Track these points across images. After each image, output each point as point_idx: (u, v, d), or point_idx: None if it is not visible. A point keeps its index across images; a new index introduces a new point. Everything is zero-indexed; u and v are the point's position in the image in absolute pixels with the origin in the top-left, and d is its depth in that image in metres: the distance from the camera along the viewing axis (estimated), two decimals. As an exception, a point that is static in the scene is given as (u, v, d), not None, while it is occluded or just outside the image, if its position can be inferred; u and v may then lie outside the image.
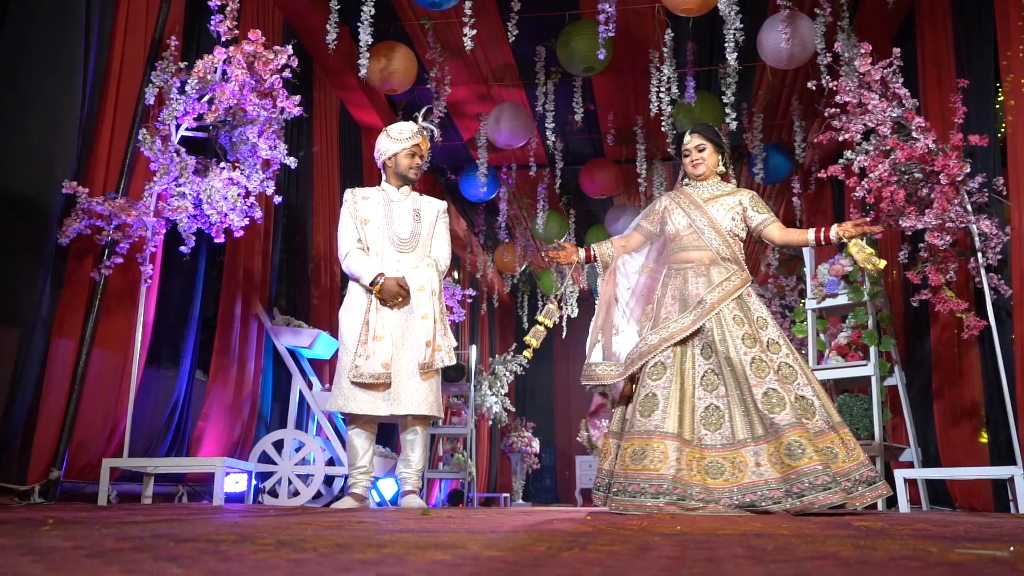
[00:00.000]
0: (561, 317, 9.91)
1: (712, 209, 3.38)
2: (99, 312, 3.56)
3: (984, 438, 4.23)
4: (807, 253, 5.24)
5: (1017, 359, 3.78)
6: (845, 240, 3.13)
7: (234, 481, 4.43)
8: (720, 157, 3.47)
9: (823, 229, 3.19)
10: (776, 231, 3.32)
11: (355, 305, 3.59)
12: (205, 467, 3.76)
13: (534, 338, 3.34)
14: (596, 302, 3.61)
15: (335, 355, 4.36)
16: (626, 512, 2.89)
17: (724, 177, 3.51)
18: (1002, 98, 4.03)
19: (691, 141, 3.45)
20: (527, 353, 3.40)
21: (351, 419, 3.58)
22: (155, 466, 3.68)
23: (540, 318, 3.37)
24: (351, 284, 3.66)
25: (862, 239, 3.13)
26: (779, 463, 2.87)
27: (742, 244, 3.40)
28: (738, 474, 2.94)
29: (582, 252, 3.63)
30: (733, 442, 3.00)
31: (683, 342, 3.19)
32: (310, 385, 4.97)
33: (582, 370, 3.43)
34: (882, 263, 3.03)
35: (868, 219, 3.08)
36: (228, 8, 3.73)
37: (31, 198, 3.28)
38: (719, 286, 3.22)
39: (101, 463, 3.47)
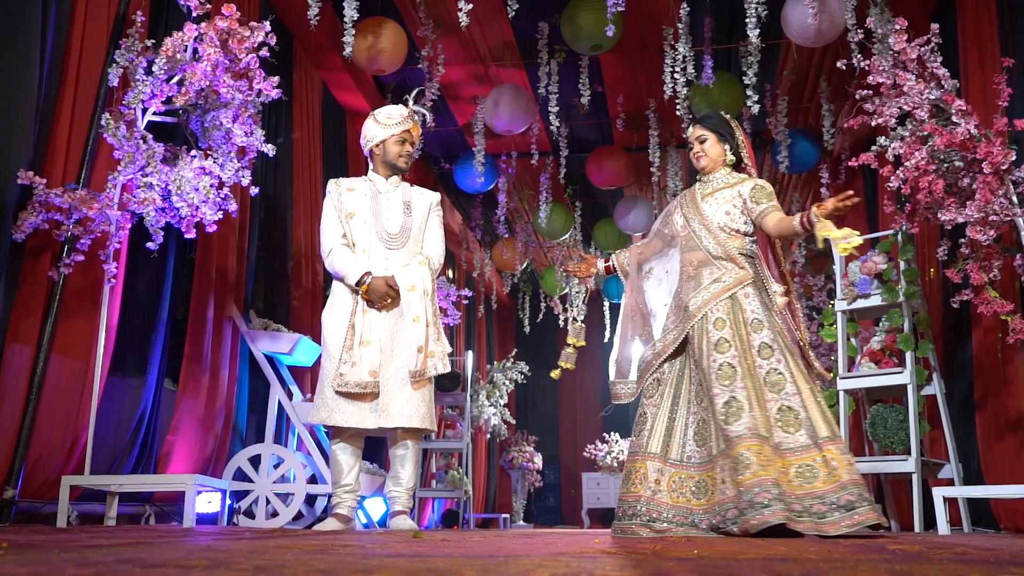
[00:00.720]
0: (566, 320, 9.91)
1: (707, 205, 3.46)
2: (58, 315, 3.56)
3: (1031, 453, 4.24)
4: (836, 251, 5.24)
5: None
6: (815, 219, 3.07)
7: (206, 500, 4.43)
8: (728, 146, 3.49)
9: (807, 212, 3.16)
10: (772, 221, 3.34)
11: (339, 307, 3.59)
12: (174, 485, 3.76)
13: (567, 362, 3.58)
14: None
15: (317, 362, 4.36)
16: (623, 535, 3.02)
17: (739, 168, 3.52)
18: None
19: (692, 133, 3.53)
20: (555, 374, 3.64)
21: (335, 433, 3.58)
22: (119, 484, 3.67)
23: (570, 340, 3.61)
24: (335, 284, 3.66)
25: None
26: (731, 480, 2.94)
27: (745, 239, 3.41)
28: (715, 493, 3.03)
29: (601, 264, 3.81)
30: (711, 458, 3.08)
31: (679, 353, 3.34)
32: (290, 395, 4.97)
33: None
34: (856, 239, 2.94)
35: (850, 192, 3.08)
36: (200, -20, 3.73)
37: (-17, 189, 3.28)
38: (705, 288, 3.31)
39: (60, 481, 3.47)
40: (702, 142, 3.49)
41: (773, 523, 2.77)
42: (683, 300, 3.36)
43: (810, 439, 3.00)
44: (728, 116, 3.56)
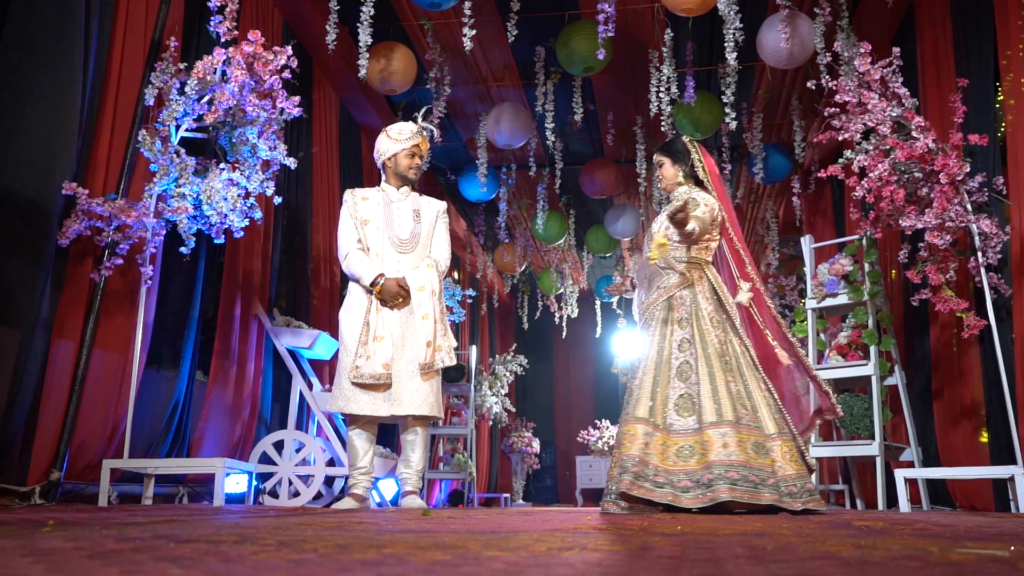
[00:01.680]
0: (561, 317, 9.92)
1: (655, 221, 3.58)
2: (99, 313, 3.56)
3: (984, 437, 4.24)
4: (807, 253, 5.24)
5: (1017, 358, 3.78)
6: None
7: (234, 482, 4.43)
8: (681, 168, 3.51)
9: None
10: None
11: (355, 306, 3.59)
12: (205, 468, 3.76)
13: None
14: None
15: (335, 355, 4.36)
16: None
17: (701, 184, 3.51)
18: (1002, 97, 4.03)
19: (655, 158, 3.63)
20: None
21: (351, 420, 3.58)
22: (155, 467, 3.68)
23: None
24: (351, 284, 3.67)
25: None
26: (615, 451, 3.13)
27: (687, 248, 3.42)
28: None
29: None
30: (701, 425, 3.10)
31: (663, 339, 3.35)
32: (310, 386, 4.97)
33: None
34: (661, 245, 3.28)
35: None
36: (228, 9, 3.73)
37: (31, 199, 3.28)
38: (653, 293, 3.43)
39: (101, 464, 3.47)
40: (660, 166, 3.59)
41: (624, 490, 2.96)
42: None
43: (697, 423, 3.06)
44: (688, 140, 3.59)
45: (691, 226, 3.25)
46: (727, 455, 2.93)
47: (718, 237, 3.47)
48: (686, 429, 3.07)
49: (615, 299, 9.73)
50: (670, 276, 3.40)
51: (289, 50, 3.81)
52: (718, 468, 2.90)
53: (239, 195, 3.81)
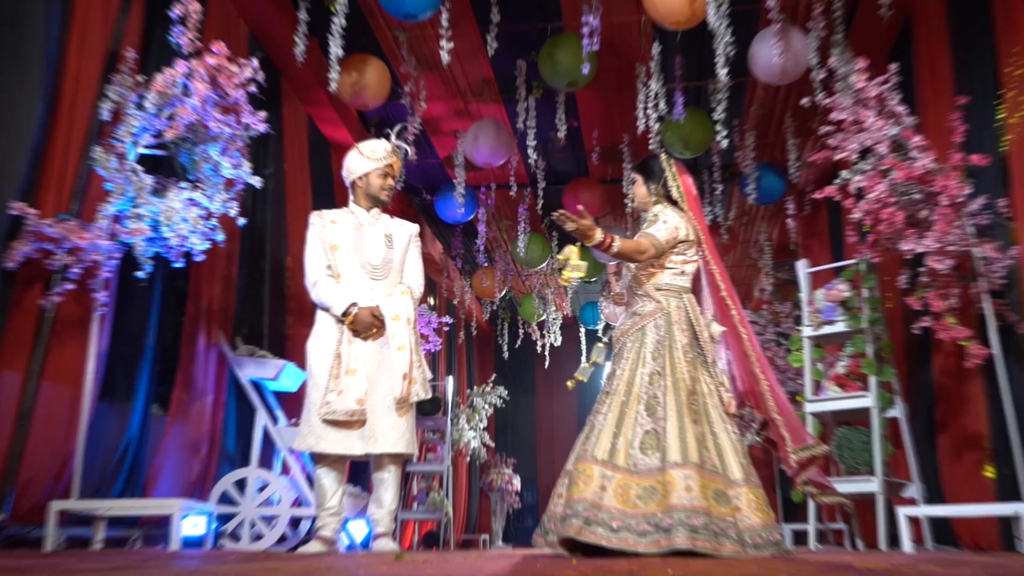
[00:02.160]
0: (544, 346, 9.92)
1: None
2: (48, 342, 3.52)
3: (990, 473, 4.26)
4: (802, 278, 5.28)
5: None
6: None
7: (192, 524, 4.37)
8: (653, 186, 3.53)
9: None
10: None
11: (324, 336, 3.56)
12: (161, 509, 3.72)
13: (583, 376, 3.62)
14: None
15: (302, 387, 4.32)
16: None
17: (675, 204, 3.51)
18: (1003, 115, 4.10)
19: (630, 178, 3.62)
20: (571, 384, 3.70)
21: (319, 457, 3.55)
22: (107, 508, 3.62)
23: (593, 358, 3.62)
24: (319, 314, 3.64)
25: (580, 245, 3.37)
26: (566, 492, 3.06)
27: (662, 272, 3.41)
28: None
29: (600, 234, 3.75)
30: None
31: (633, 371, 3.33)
32: (275, 420, 4.93)
33: None
34: (571, 275, 3.30)
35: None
36: (190, 19, 3.73)
37: (-24, 220, 3.25)
38: (627, 319, 3.45)
39: (48, 506, 3.42)
40: (632, 183, 3.62)
41: (571, 536, 2.91)
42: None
43: (660, 462, 3.01)
44: (666, 158, 3.59)
45: (617, 246, 3.25)
46: (689, 499, 2.88)
47: (694, 259, 3.46)
48: (649, 468, 3.02)
49: (601, 326, 9.74)
50: (646, 303, 3.39)
51: (255, 62, 3.82)
52: (679, 513, 2.86)
53: (200, 216, 3.80)
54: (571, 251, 3.39)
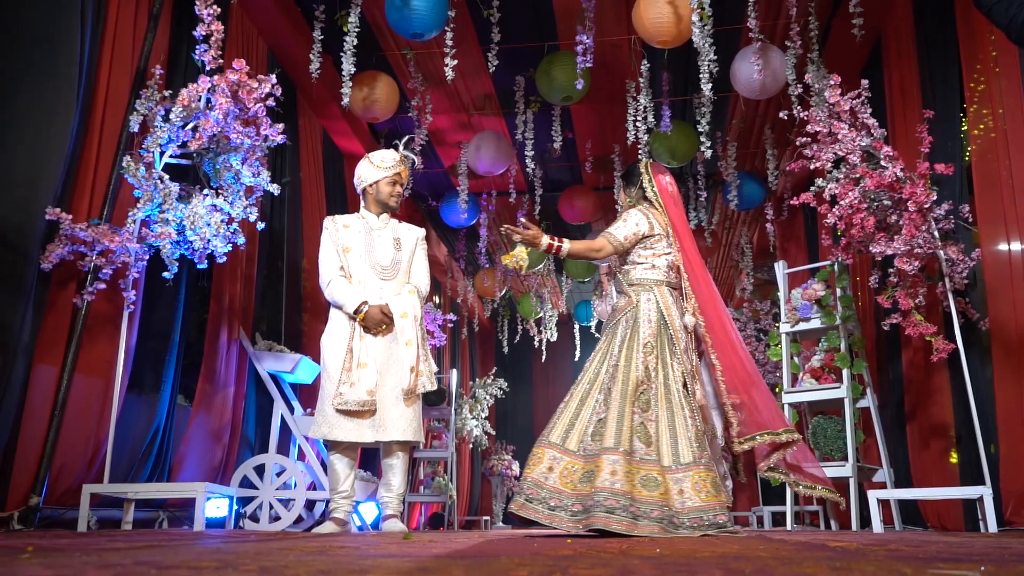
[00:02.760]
0: (541, 341, 9.91)
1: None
2: (81, 338, 3.52)
3: (954, 458, 4.26)
4: (780, 278, 5.28)
5: (996, 381, 3.80)
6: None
7: (215, 506, 4.37)
8: (631, 190, 3.61)
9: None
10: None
11: (338, 332, 3.57)
12: (186, 492, 3.71)
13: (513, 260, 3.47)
14: None
15: (317, 379, 4.32)
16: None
17: (650, 202, 3.55)
18: (966, 127, 4.11)
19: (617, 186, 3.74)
20: (507, 260, 3.47)
21: (332, 444, 3.55)
22: (136, 492, 3.62)
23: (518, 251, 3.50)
24: (332, 311, 3.64)
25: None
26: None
27: (635, 268, 3.43)
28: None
29: (546, 240, 3.72)
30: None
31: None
32: (292, 409, 4.93)
33: None
34: (517, 259, 3.36)
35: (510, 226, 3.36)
36: (213, 38, 3.73)
37: (14, 224, 3.24)
38: (610, 317, 3.48)
39: (81, 489, 3.42)
40: (618, 189, 3.72)
41: (514, 511, 3.05)
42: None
43: (597, 448, 3.03)
44: (645, 163, 3.62)
45: (566, 248, 3.34)
46: (611, 483, 2.89)
47: (665, 252, 3.43)
48: (592, 454, 3.05)
49: (594, 323, 9.72)
50: (620, 299, 3.43)
51: (273, 78, 3.81)
52: (600, 495, 2.87)
53: (222, 221, 3.79)
54: (521, 248, 3.44)
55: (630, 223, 3.41)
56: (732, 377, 3.32)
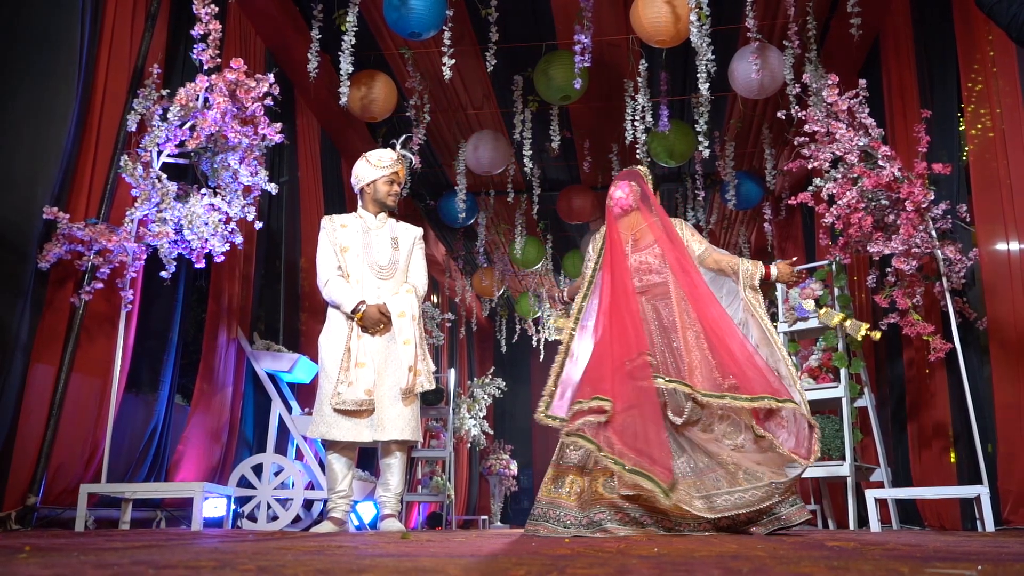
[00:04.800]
0: (539, 341, 9.91)
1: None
2: (78, 337, 3.51)
3: (952, 458, 4.27)
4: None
5: (994, 381, 3.81)
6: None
7: (213, 506, 4.37)
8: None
9: None
10: None
11: (335, 332, 3.56)
12: (183, 492, 3.71)
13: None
14: None
15: (315, 379, 4.32)
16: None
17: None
18: (964, 127, 4.11)
19: None
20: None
21: (330, 444, 3.54)
22: (133, 491, 3.62)
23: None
24: (330, 311, 3.64)
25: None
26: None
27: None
28: None
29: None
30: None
31: None
32: (289, 409, 4.93)
33: None
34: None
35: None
36: (211, 37, 3.72)
37: (11, 223, 3.24)
38: None
39: (79, 489, 3.41)
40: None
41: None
42: None
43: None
44: (640, 168, 3.76)
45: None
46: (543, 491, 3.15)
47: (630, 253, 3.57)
48: None
49: None
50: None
51: (271, 78, 3.81)
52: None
53: (220, 220, 3.79)
54: (561, 320, 3.69)
55: (587, 260, 3.67)
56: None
